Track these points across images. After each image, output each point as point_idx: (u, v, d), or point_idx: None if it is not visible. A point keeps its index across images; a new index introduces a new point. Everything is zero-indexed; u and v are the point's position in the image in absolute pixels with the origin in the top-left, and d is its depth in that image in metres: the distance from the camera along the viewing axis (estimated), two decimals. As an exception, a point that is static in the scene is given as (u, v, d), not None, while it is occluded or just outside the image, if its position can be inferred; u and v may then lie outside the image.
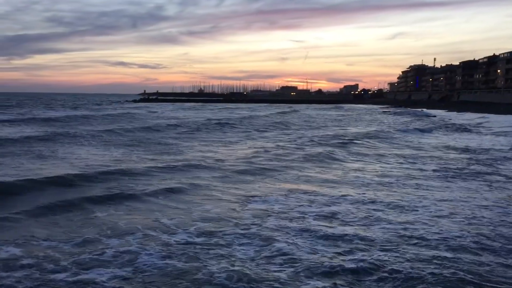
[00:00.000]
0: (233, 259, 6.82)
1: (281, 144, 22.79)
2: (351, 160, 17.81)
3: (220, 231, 8.19)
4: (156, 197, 10.81)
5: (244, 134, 29.91)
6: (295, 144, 22.90)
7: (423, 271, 6.38)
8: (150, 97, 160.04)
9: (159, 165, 15.17)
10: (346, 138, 25.37)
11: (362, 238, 7.78)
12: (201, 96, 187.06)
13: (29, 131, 27.77)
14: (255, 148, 21.03)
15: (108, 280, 6.12)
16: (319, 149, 19.95)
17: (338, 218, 9.17)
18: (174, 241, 7.68)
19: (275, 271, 6.39)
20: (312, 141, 24.02)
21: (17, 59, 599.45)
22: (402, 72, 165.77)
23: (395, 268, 6.49)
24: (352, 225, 8.63)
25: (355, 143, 23.37)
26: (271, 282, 6.05)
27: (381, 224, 8.68)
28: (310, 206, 10.15)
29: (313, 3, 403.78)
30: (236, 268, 6.44)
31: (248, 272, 6.30)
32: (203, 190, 11.76)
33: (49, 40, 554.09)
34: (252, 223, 8.74)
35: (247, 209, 9.83)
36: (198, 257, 6.91)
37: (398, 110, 73.19)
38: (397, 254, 7.05)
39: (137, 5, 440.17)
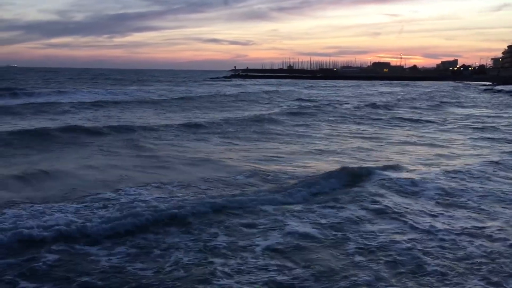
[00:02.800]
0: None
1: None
2: None
3: None
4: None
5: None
6: None
7: None
8: (240, 73, 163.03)
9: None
10: None
11: None
12: (290, 72, 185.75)
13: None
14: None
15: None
16: None
17: None
18: None
19: None
20: None
21: (118, 37, 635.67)
22: (508, 46, 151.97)
23: None
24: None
25: None
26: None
27: None
28: None
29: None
30: None
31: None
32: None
33: (147, 18, 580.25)
34: None
35: None
36: None
37: None
38: None
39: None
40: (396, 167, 11.87)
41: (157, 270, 5.84)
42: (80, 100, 34.17)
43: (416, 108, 33.98)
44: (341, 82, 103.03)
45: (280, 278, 5.65)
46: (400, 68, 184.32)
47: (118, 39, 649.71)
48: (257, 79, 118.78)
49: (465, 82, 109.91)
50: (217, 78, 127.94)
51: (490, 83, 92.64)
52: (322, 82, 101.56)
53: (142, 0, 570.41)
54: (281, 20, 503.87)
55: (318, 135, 18.89)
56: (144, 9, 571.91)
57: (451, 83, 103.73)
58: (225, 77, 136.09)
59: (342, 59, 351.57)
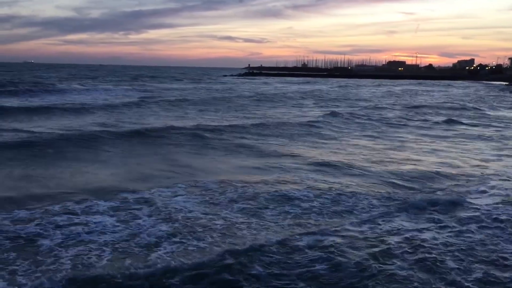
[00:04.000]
0: None
1: None
2: None
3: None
4: None
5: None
6: None
7: None
8: (254, 71, 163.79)
9: None
10: None
11: None
12: (304, 70, 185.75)
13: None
14: None
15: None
16: None
17: None
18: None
19: None
20: None
21: (133, 34, 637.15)
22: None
23: None
24: None
25: None
26: None
27: None
28: None
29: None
30: None
31: None
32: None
33: (162, 15, 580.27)
34: None
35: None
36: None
37: None
38: None
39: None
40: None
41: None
42: (128, 99, 34.50)
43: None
44: (363, 81, 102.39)
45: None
46: (415, 67, 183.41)
47: (133, 36, 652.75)
48: (280, 77, 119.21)
49: (483, 82, 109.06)
50: (231, 75, 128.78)
51: (507, 83, 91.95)
52: (343, 81, 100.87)
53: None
54: (296, 18, 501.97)
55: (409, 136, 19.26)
56: (160, 6, 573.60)
57: (468, 83, 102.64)
58: (239, 74, 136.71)
59: (356, 58, 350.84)
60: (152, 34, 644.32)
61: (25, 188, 9.65)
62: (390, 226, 7.79)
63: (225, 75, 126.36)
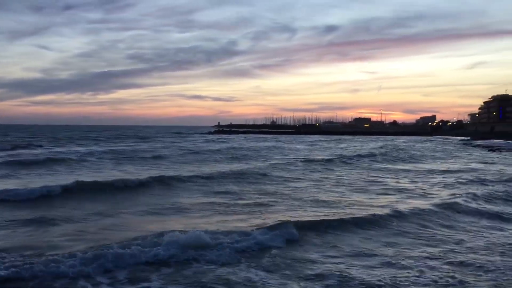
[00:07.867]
0: None
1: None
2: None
3: None
4: None
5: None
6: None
7: None
8: (224, 129, 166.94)
9: None
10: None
11: None
12: (273, 127, 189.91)
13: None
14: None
15: None
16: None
17: None
18: None
19: None
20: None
21: (102, 94, 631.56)
22: (484, 102, 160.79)
23: None
24: None
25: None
26: None
27: None
28: None
29: (386, 34, 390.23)
30: None
31: None
32: None
33: (131, 76, 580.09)
34: None
35: None
36: None
37: None
38: None
39: (212, 41, 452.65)
40: None
41: None
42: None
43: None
44: (332, 137, 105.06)
45: None
46: (381, 123, 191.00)
47: (102, 96, 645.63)
48: (263, 135, 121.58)
49: (445, 136, 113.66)
50: (209, 133, 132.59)
51: (469, 138, 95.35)
52: (324, 137, 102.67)
53: (127, 58, 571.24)
54: (264, 77, 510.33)
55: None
56: (129, 67, 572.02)
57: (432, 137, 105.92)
58: (210, 132, 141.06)
59: (324, 115, 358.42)
60: (122, 93, 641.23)
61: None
62: None
63: (203, 133, 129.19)
